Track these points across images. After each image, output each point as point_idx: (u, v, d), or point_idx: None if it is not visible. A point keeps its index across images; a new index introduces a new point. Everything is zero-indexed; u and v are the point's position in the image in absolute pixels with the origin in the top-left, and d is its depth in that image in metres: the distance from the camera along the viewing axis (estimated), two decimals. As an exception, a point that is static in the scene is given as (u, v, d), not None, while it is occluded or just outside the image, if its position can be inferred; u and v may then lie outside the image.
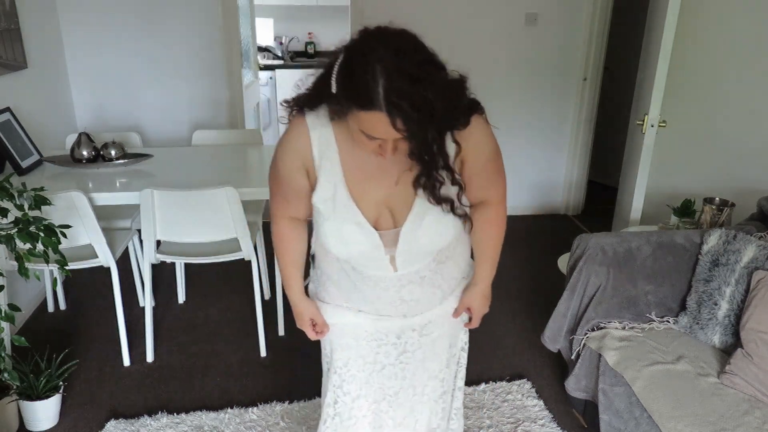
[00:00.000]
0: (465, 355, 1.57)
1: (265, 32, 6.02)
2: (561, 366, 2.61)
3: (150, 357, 2.64)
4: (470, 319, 1.49)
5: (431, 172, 1.16)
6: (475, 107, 1.19)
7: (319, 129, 1.21)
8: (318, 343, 1.54)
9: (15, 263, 2.00)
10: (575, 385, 2.20)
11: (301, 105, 1.21)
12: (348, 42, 1.09)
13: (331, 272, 1.39)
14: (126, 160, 2.73)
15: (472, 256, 1.47)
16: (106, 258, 2.46)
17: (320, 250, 1.40)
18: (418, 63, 1.01)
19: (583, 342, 2.19)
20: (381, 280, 1.31)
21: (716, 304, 2.04)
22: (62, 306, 3.05)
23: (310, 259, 1.47)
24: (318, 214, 1.27)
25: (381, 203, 1.25)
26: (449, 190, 1.21)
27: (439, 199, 1.20)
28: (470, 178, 1.26)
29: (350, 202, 1.22)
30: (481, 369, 2.62)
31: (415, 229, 1.24)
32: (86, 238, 2.39)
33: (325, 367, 1.53)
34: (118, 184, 2.55)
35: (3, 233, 1.94)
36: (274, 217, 1.38)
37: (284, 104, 1.24)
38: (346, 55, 1.06)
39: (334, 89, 1.07)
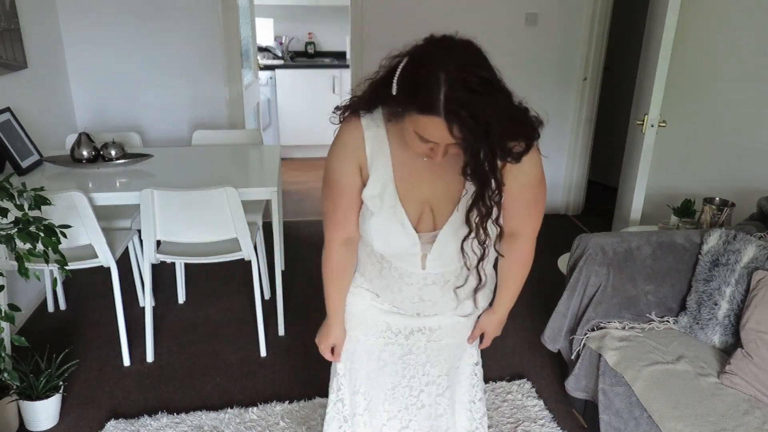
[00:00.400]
0: (480, 369, 1.60)
1: (265, 32, 6.02)
2: (561, 366, 2.61)
3: (150, 357, 2.64)
4: (482, 340, 1.55)
5: (482, 194, 1.16)
6: (530, 141, 1.17)
7: (373, 129, 1.24)
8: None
9: (15, 263, 2.00)
10: (575, 385, 2.20)
11: (355, 108, 1.23)
12: (412, 47, 1.11)
13: (360, 255, 1.41)
14: (126, 160, 2.73)
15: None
16: (106, 258, 2.46)
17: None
18: (481, 78, 1.03)
19: (583, 342, 2.19)
20: (407, 275, 1.33)
21: (716, 304, 2.04)
22: (62, 306, 3.05)
23: None
24: (365, 209, 1.29)
25: (425, 202, 1.27)
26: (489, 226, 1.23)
27: (475, 228, 1.21)
28: (505, 202, 1.25)
29: (397, 202, 1.26)
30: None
31: (453, 233, 1.27)
32: (86, 238, 2.39)
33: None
34: (118, 184, 2.55)
35: (3, 233, 1.94)
36: (330, 242, 1.36)
37: (336, 111, 1.26)
38: (410, 59, 1.08)
39: (394, 91, 1.09)
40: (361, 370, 1.49)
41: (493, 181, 1.13)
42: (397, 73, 1.09)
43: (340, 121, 1.26)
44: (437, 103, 1.01)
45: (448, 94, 1.00)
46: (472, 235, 1.22)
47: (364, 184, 1.27)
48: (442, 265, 1.31)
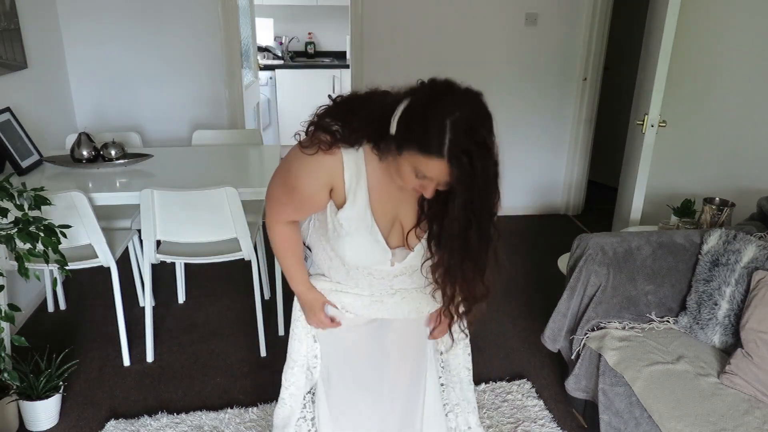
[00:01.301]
0: (468, 373, 1.62)
1: (265, 32, 6.02)
2: (561, 366, 2.61)
3: (150, 357, 2.64)
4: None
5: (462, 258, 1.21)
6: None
7: (353, 153, 1.25)
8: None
9: (15, 263, 2.00)
10: (575, 385, 2.20)
11: (337, 140, 1.22)
12: (412, 89, 1.15)
13: (321, 261, 1.43)
14: (126, 160, 2.73)
15: None
16: (106, 258, 2.46)
17: (316, 243, 1.43)
18: (484, 132, 1.09)
19: (583, 342, 2.19)
20: (376, 272, 1.37)
21: (716, 304, 2.04)
22: (62, 306, 3.05)
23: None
24: (340, 227, 1.31)
25: (395, 218, 1.33)
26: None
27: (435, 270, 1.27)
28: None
29: (374, 223, 1.30)
30: (481, 369, 2.61)
31: (422, 252, 1.33)
32: (86, 238, 2.39)
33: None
34: (118, 184, 2.55)
35: (3, 233, 1.94)
36: (272, 222, 1.40)
37: (310, 128, 1.25)
38: (413, 101, 1.12)
39: (393, 130, 1.13)
40: (338, 358, 1.52)
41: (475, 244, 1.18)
42: (398, 113, 1.12)
43: (307, 144, 1.23)
44: (442, 148, 1.06)
45: (453, 140, 1.06)
46: (430, 261, 1.28)
47: (338, 205, 1.30)
48: (408, 263, 1.36)
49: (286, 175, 1.30)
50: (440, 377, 1.62)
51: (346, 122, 1.21)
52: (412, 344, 1.53)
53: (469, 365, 1.63)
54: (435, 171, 1.10)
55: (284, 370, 1.59)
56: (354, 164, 1.25)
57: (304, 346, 1.55)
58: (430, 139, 1.06)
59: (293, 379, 1.57)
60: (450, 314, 1.33)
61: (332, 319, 1.47)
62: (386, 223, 1.32)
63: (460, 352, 1.60)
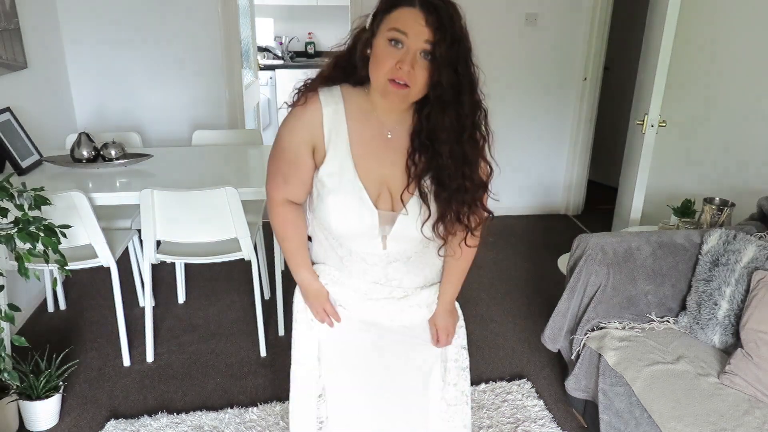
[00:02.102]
0: (463, 372, 1.56)
1: (265, 32, 6.02)
2: (561, 366, 2.61)
3: (150, 357, 2.64)
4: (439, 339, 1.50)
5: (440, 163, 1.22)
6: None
7: (332, 106, 1.26)
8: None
9: (15, 263, 2.00)
10: (575, 385, 2.20)
11: (314, 86, 1.28)
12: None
13: (317, 251, 1.42)
14: (126, 160, 2.73)
15: None
16: (106, 258, 2.46)
17: (314, 231, 1.42)
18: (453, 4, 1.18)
19: (583, 342, 2.19)
20: (369, 256, 1.34)
21: (716, 304, 2.04)
22: (62, 306, 3.05)
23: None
24: (322, 187, 1.29)
25: (383, 183, 1.29)
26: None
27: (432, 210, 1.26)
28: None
29: (355, 177, 1.26)
30: (481, 369, 2.62)
31: (413, 216, 1.28)
32: (86, 238, 2.39)
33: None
34: (118, 184, 2.55)
35: (3, 233, 1.94)
36: (273, 201, 1.38)
37: (296, 95, 1.30)
38: None
39: (368, 24, 1.21)
40: (334, 352, 1.49)
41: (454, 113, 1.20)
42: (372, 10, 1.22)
43: (293, 104, 1.29)
44: None
45: None
46: (431, 218, 1.26)
47: (315, 165, 1.30)
48: (401, 243, 1.33)
49: (276, 140, 1.33)
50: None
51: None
52: (413, 354, 1.49)
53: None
54: (410, 23, 1.13)
55: (291, 372, 1.57)
56: (333, 115, 1.26)
57: (307, 346, 1.53)
58: None
59: (300, 381, 1.55)
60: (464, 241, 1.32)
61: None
62: (373, 187, 1.28)
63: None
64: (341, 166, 1.26)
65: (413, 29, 1.14)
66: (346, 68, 1.28)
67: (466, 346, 1.57)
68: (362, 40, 1.23)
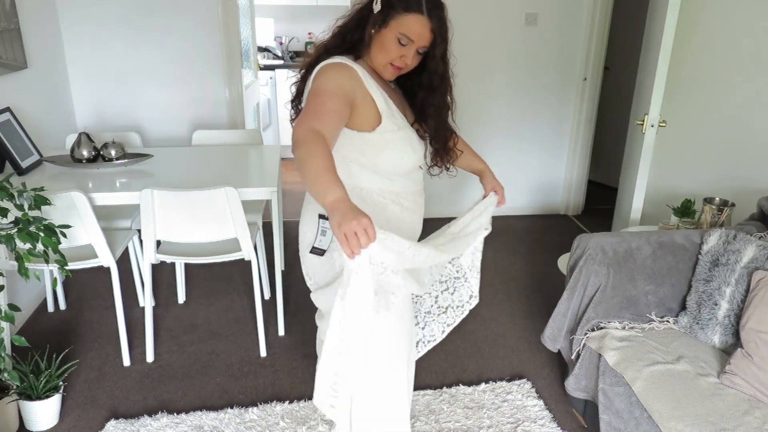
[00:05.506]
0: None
1: (265, 32, 6.02)
2: (561, 366, 2.61)
3: (150, 357, 2.64)
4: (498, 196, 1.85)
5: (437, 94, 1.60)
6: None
7: (358, 68, 1.52)
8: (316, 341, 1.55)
9: (15, 263, 2.00)
10: (575, 385, 2.20)
11: (327, 56, 1.54)
12: None
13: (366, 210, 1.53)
14: (126, 160, 2.73)
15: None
16: (106, 258, 2.46)
17: (369, 195, 1.60)
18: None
19: (583, 342, 2.19)
20: (415, 183, 1.68)
21: (716, 304, 2.04)
22: (62, 306, 3.05)
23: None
24: (386, 132, 1.53)
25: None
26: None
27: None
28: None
29: (402, 117, 1.59)
30: (481, 369, 2.62)
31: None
32: (86, 238, 2.39)
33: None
34: (118, 184, 2.55)
35: (3, 233, 1.94)
36: (298, 129, 1.32)
37: (300, 71, 1.65)
38: None
39: (378, 7, 1.47)
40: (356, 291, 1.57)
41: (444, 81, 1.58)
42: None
43: (304, 63, 1.60)
44: (421, 5, 1.45)
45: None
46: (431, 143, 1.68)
47: (349, 117, 1.49)
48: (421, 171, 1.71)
49: (314, 90, 1.46)
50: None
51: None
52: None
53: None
54: (417, 28, 1.46)
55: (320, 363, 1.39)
56: (363, 73, 1.51)
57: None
58: (410, 0, 1.45)
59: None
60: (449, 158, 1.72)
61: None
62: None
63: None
64: (390, 111, 1.54)
65: (420, 36, 1.47)
66: (346, 39, 1.56)
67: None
68: (371, 22, 1.50)
